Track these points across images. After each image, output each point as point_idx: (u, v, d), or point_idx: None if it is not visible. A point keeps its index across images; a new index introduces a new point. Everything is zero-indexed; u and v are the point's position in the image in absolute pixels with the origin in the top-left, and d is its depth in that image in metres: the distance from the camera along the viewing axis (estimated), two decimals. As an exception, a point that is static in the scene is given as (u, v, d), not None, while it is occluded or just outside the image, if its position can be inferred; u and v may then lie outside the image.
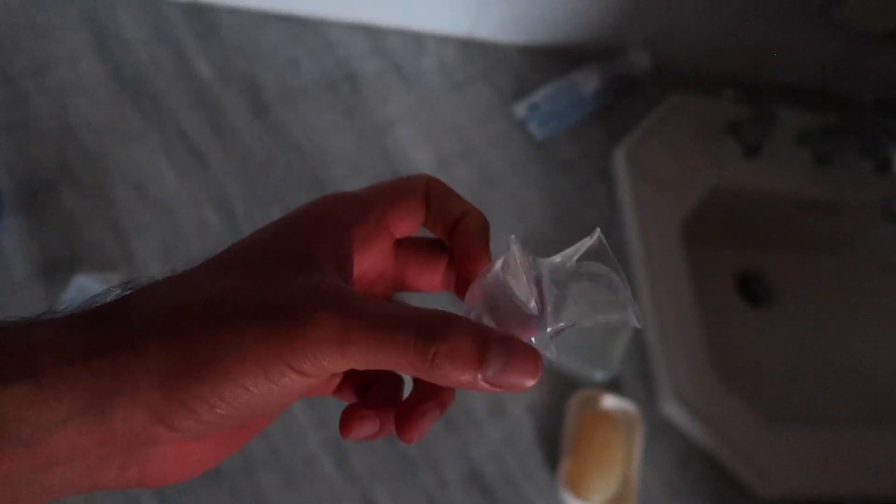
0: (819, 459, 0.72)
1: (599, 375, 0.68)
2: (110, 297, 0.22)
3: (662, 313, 0.74)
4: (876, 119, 0.82)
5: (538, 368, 0.21)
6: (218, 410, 0.20)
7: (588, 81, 0.81)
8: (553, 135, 0.81)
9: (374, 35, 0.80)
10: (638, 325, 0.23)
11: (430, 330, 0.21)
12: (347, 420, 0.24)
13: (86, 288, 0.56)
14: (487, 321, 0.23)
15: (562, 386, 0.69)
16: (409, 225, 0.27)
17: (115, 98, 0.71)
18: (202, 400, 0.20)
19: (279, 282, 0.22)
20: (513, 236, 0.23)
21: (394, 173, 0.74)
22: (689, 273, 0.77)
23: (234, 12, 0.77)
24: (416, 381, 0.25)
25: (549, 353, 0.23)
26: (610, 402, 0.67)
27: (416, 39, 0.82)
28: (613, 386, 0.70)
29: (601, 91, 0.82)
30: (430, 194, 0.27)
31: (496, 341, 0.21)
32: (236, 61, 0.75)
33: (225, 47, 0.75)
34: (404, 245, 0.28)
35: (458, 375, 0.21)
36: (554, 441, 0.66)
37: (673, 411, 0.70)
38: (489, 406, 0.67)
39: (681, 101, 0.86)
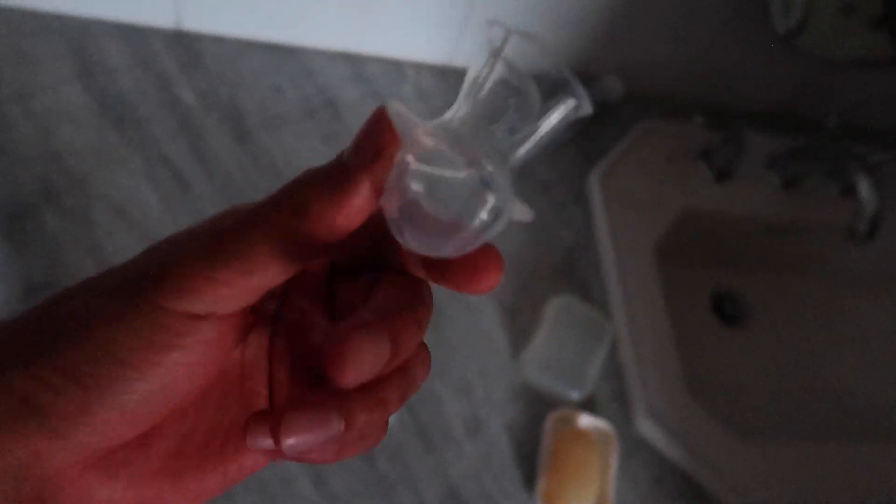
0: (792, 475, 0.73)
1: (575, 395, 0.70)
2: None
3: (637, 333, 0.75)
4: (840, 143, 0.85)
5: (381, 110, 0.19)
6: (83, 385, 0.17)
7: (563, 107, 0.84)
8: (529, 159, 0.83)
9: (354, 63, 0.82)
10: (588, 110, 0.19)
11: (286, 186, 0.18)
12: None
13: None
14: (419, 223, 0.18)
15: (538, 405, 0.70)
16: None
17: (98, 124, 0.72)
18: (59, 370, 0.17)
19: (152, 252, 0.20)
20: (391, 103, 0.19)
21: (373, 197, 0.76)
22: (663, 293, 0.78)
23: (218, 40, 0.79)
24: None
25: (520, 214, 0.19)
26: (586, 421, 0.68)
27: (395, 67, 0.84)
28: (589, 405, 0.71)
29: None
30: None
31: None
32: (219, 88, 0.77)
33: (208, 75, 0.77)
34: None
35: (322, 198, 0.18)
36: (531, 460, 0.67)
37: (648, 429, 0.71)
38: (467, 425, 0.68)
39: (652, 126, 0.88)
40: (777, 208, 0.89)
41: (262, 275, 0.18)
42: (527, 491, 0.66)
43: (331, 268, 0.23)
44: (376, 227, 0.20)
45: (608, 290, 0.78)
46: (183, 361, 0.17)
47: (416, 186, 0.18)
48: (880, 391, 0.91)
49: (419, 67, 0.85)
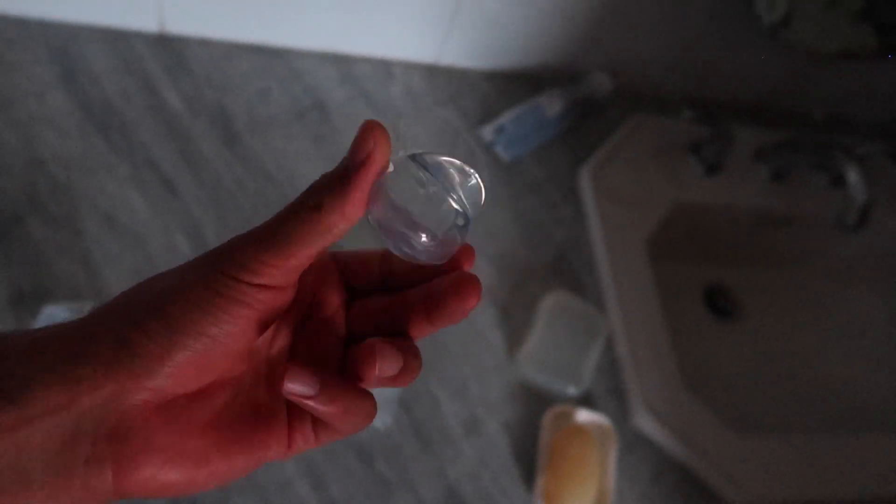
0: (789, 467, 0.73)
1: (572, 391, 0.69)
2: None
3: (632, 328, 0.75)
4: (827, 135, 0.86)
5: (375, 123, 0.25)
6: (172, 328, 0.22)
7: (552, 104, 0.84)
8: (520, 157, 0.83)
9: (342, 63, 0.82)
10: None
11: (308, 189, 0.25)
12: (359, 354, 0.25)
13: (55, 318, 0.56)
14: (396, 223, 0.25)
15: (536, 402, 0.69)
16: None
17: (83, 130, 0.71)
18: (153, 316, 0.22)
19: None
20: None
21: (364, 198, 0.75)
22: (656, 288, 0.79)
23: (204, 43, 0.78)
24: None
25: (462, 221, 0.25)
26: (583, 416, 0.68)
27: (383, 67, 0.83)
28: (586, 401, 0.71)
29: (565, 113, 0.84)
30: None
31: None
32: (206, 92, 0.76)
33: (194, 78, 0.76)
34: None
35: (334, 196, 0.24)
36: (529, 457, 0.67)
37: (645, 424, 0.71)
38: (464, 425, 0.67)
39: (641, 121, 0.89)
40: (767, 201, 0.90)
41: (295, 257, 0.23)
42: (526, 489, 0.66)
43: (349, 293, 0.29)
44: (384, 266, 0.28)
45: (602, 285, 0.78)
46: (242, 315, 0.23)
47: (393, 193, 0.24)
48: (874, 382, 0.92)
49: (407, 67, 0.84)
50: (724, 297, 0.94)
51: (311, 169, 0.75)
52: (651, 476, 0.70)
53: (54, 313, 0.55)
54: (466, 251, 0.26)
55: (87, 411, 0.21)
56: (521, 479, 0.66)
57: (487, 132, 0.82)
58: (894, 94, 1.01)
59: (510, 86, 0.88)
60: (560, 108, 0.84)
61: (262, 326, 0.24)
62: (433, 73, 0.85)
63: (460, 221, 0.25)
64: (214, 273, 0.23)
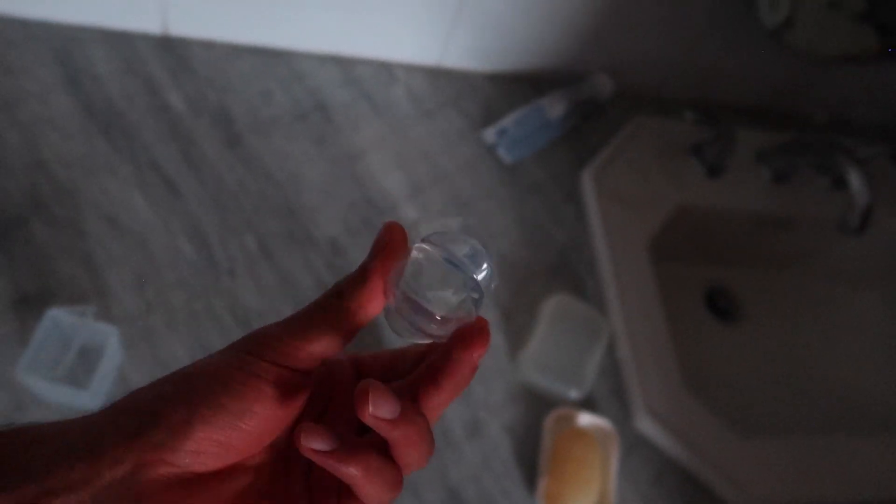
0: (791, 468, 0.73)
1: (574, 394, 0.70)
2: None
3: (633, 330, 0.75)
4: (829, 137, 0.86)
5: (393, 223, 0.27)
6: (197, 405, 0.23)
7: (554, 106, 0.84)
8: (522, 158, 0.83)
9: (344, 65, 0.82)
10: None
11: (334, 286, 0.26)
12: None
13: (59, 321, 0.56)
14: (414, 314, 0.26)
15: (537, 405, 0.70)
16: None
17: (86, 132, 0.71)
18: (178, 387, 0.23)
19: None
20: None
21: (366, 200, 0.76)
22: (658, 290, 0.79)
23: (206, 45, 0.78)
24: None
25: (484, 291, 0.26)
26: (585, 419, 0.68)
27: (385, 69, 0.84)
28: (588, 404, 0.71)
29: (567, 115, 0.85)
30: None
31: None
32: (208, 93, 0.76)
33: (197, 80, 0.76)
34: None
35: (356, 286, 0.26)
36: (531, 460, 0.67)
37: (647, 427, 0.71)
38: (467, 427, 0.67)
39: (643, 123, 0.89)
40: (768, 202, 0.90)
41: (317, 341, 0.25)
42: (528, 491, 0.66)
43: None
44: (397, 356, 0.29)
45: (603, 287, 0.78)
46: (262, 392, 0.24)
47: (407, 283, 0.25)
48: (875, 383, 0.92)
49: (409, 69, 0.84)
50: (726, 299, 0.95)
51: (313, 170, 0.75)
52: (652, 478, 0.70)
53: (58, 317, 0.55)
54: (479, 322, 0.26)
55: (108, 487, 0.22)
56: (523, 482, 0.66)
57: (489, 134, 0.82)
58: (896, 96, 1.01)
59: (512, 87, 0.88)
60: (562, 109, 0.84)
61: (282, 413, 0.25)
62: (435, 75, 0.85)
63: (475, 296, 0.26)
64: (239, 353, 0.24)
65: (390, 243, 0.26)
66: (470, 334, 0.25)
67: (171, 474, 0.23)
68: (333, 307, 0.25)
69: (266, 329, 0.25)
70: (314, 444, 0.23)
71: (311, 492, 0.26)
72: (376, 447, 0.24)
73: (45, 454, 0.22)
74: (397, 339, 0.27)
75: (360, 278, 0.26)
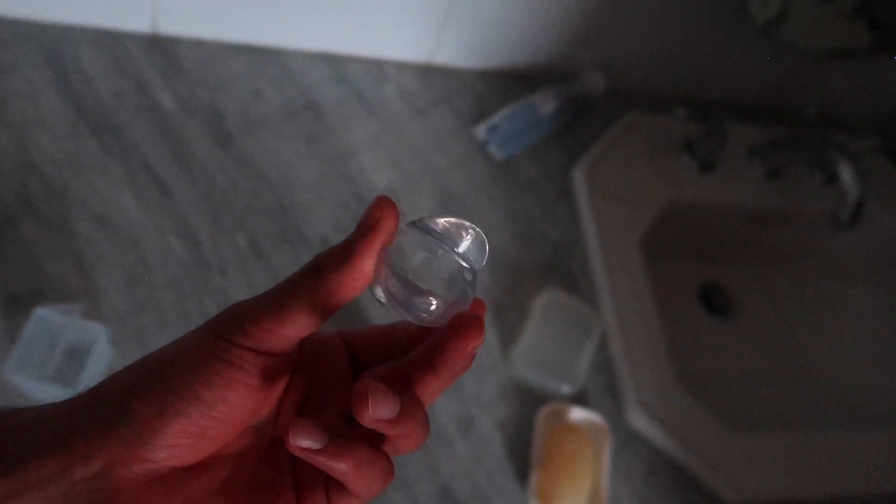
0: (784, 463, 0.73)
1: (566, 389, 0.70)
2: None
3: (626, 326, 0.75)
4: (821, 133, 0.86)
5: (385, 198, 0.25)
6: (169, 391, 0.22)
7: (545, 103, 0.84)
8: (513, 155, 0.83)
9: (335, 63, 0.82)
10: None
11: (313, 259, 0.24)
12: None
13: (47, 320, 0.56)
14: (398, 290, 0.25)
15: (529, 400, 0.70)
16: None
17: (76, 132, 0.71)
18: (153, 377, 0.22)
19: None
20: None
21: (358, 198, 0.75)
22: (650, 286, 0.79)
23: (196, 44, 0.78)
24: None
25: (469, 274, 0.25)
26: (577, 414, 0.68)
27: (376, 66, 0.83)
28: (580, 399, 0.71)
29: (558, 112, 0.85)
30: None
31: None
32: (199, 92, 0.76)
33: (187, 79, 0.76)
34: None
35: (336, 261, 0.24)
36: (523, 455, 0.67)
37: (639, 422, 0.71)
38: (459, 423, 0.67)
39: (635, 119, 0.89)
40: (761, 198, 0.90)
41: (292, 322, 0.23)
42: (520, 487, 0.66)
43: (353, 365, 0.28)
44: (389, 336, 0.27)
45: (596, 284, 0.78)
46: (237, 381, 0.23)
47: (399, 264, 0.24)
48: (869, 378, 0.92)
49: (400, 67, 0.84)
50: (719, 295, 0.95)
51: (304, 168, 0.75)
52: (645, 473, 0.70)
53: (46, 316, 0.55)
54: (477, 305, 0.25)
55: (80, 482, 0.21)
56: (515, 478, 0.66)
57: (481, 131, 0.82)
58: (887, 91, 1.01)
59: (503, 84, 0.88)
60: (553, 106, 0.84)
61: (260, 398, 0.24)
62: (426, 72, 0.85)
63: (468, 276, 0.25)
64: (211, 336, 0.23)
65: (382, 220, 0.24)
66: (466, 325, 0.23)
67: (146, 470, 0.22)
68: (310, 285, 0.24)
69: (239, 309, 0.24)
70: (303, 441, 0.22)
71: (298, 479, 0.25)
72: (367, 438, 0.24)
73: (16, 446, 0.21)
74: (384, 316, 0.26)
75: (343, 254, 0.24)
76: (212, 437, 0.23)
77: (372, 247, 0.24)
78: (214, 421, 0.23)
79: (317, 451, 0.22)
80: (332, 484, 0.24)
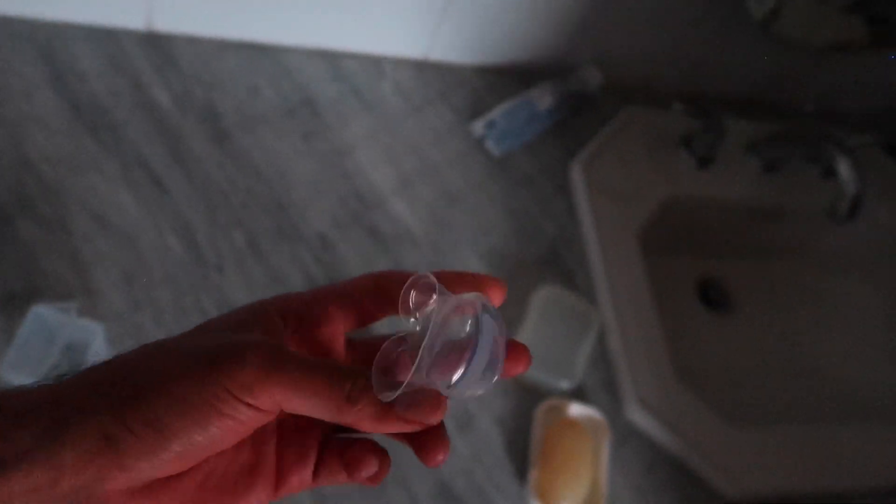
0: (782, 458, 0.74)
1: (564, 384, 0.70)
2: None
3: (624, 321, 0.75)
4: (819, 127, 0.86)
5: (442, 406, 0.24)
6: (160, 434, 0.22)
7: (543, 99, 0.84)
8: (511, 151, 0.83)
9: (331, 60, 0.82)
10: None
11: (348, 371, 0.24)
12: (355, 459, 0.26)
13: (44, 318, 0.56)
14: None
15: (528, 396, 0.70)
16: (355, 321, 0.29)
17: (72, 129, 0.71)
18: (143, 420, 0.22)
19: (217, 335, 0.25)
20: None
21: (356, 195, 0.75)
22: (649, 281, 0.79)
23: (192, 41, 0.78)
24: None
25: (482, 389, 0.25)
26: (576, 410, 0.68)
27: (373, 63, 0.83)
28: (579, 394, 0.71)
29: (556, 107, 0.84)
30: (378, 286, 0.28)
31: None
32: (195, 90, 0.76)
33: (183, 76, 0.76)
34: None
35: (368, 408, 0.23)
36: (522, 452, 0.67)
37: (638, 417, 0.71)
38: (457, 421, 0.67)
39: (633, 115, 0.89)
40: (759, 193, 0.90)
41: (299, 400, 0.23)
42: (519, 483, 0.66)
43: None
44: None
45: (594, 279, 0.78)
46: (232, 427, 0.23)
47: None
48: (867, 372, 0.92)
49: (397, 63, 0.84)
50: (717, 290, 0.95)
51: (301, 165, 0.75)
52: (644, 468, 0.70)
53: (43, 314, 0.55)
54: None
55: (68, 493, 0.21)
56: (514, 474, 0.66)
57: (478, 127, 0.82)
58: (885, 86, 1.01)
59: (500, 80, 0.87)
60: (551, 102, 0.84)
61: (259, 424, 0.25)
62: (423, 68, 0.85)
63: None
64: (214, 387, 0.22)
65: (431, 422, 0.24)
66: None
67: (132, 484, 0.22)
68: (336, 405, 0.23)
69: (247, 361, 0.23)
70: (367, 473, 0.25)
71: (281, 459, 0.26)
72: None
73: (6, 449, 0.21)
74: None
75: (381, 415, 0.24)
76: (199, 458, 0.24)
77: (405, 429, 0.24)
78: (204, 451, 0.23)
79: (379, 473, 0.26)
80: (321, 464, 0.26)
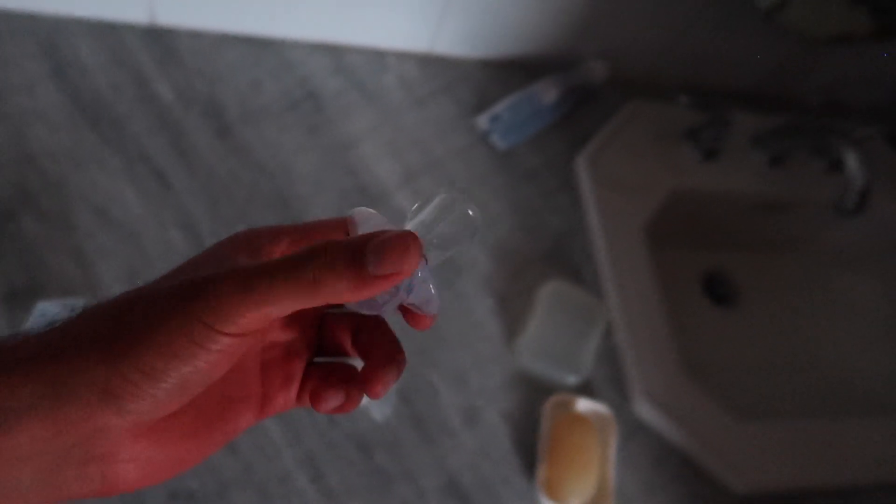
0: (789, 452, 0.73)
1: (572, 379, 0.69)
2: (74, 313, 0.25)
3: (631, 315, 0.75)
4: (825, 119, 0.86)
5: (415, 245, 0.24)
6: (155, 379, 0.22)
7: (547, 92, 0.83)
8: (515, 145, 0.82)
9: (334, 53, 0.81)
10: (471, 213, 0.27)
11: (306, 255, 0.24)
12: (317, 393, 0.28)
13: (48, 314, 0.55)
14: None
15: (535, 391, 0.69)
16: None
17: (74, 124, 0.70)
18: (137, 369, 0.22)
19: (194, 271, 0.25)
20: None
21: (359, 189, 0.75)
22: (654, 275, 0.78)
23: (194, 35, 0.77)
24: (367, 351, 0.28)
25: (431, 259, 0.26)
26: (583, 405, 0.68)
27: (376, 56, 0.83)
28: (586, 389, 0.71)
29: (560, 101, 0.84)
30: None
31: (368, 238, 0.24)
32: (197, 84, 0.75)
33: (185, 70, 0.76)
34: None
35: (339, 282, 0.23)
36: (530, 446, 0.67)
37: (645, 411, 0.71)
38: (464, 415, 0.67)
39: (638, 108, 0.88)
40: (764, 186, 0.89)
41: (278, 314, 0.24)
42: (527, 478, 0.66)
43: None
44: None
45: (600, 273, 0.78)
46: (218, 358, 0.23)
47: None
48: (873, 366, 0.92)
49: (400, 56, 0.84)
50: (723, 283, 0.94)
51: (305, 159, 0.75)
52: (651, 463, 0.70)
53: (47, 309, 0.55)
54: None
55: (73, 443, 0.22)
56: (521, 469, 0.66)
57: (483, 121, 0.81)
58: (890, 77, 1.00)
59: (505, 74, 0.87)
60: (555, 95, 0.83)
61: (242, 351, 0.25)
62: (427, 62, 0.84)
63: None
64: (194, 323, 0.23)
65: (404, 270, 0.24)
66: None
67: (137, 424, 0.23)
68: (304, 290, 0.23)
69: (221, 290, 0.23)
70: (329, 406, 0.27)
71: (266, 379, 0.28)
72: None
73: (9, 404, 0.22)
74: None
75: (351, 281, 0.23)
76: (193, 392, 0.24)
77: (381, 289, 0.24)
78: (197, 385, 0.24)
79: (343, 406, 0.27)
80: (303, 385, 0.28)
